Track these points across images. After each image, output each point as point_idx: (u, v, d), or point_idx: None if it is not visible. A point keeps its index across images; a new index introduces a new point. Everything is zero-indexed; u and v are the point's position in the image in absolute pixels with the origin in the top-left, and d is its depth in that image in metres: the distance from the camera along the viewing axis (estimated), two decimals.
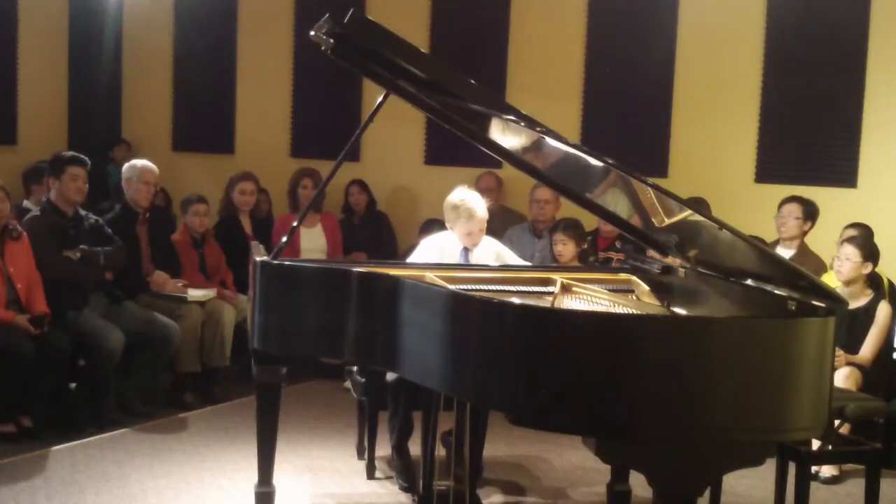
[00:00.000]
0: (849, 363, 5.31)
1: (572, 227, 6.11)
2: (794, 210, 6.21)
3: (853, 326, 5.37)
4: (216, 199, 7.23)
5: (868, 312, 5.43)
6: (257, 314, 4.14)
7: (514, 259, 5.05)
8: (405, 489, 4.82)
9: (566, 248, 6.04)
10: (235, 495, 4.75)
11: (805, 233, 6.24)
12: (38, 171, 6.98)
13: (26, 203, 6.80)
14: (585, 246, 6.15)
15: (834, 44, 6.79)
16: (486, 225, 4.90)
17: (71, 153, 5.93)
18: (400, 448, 4.93)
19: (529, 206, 7.03)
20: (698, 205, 6.04)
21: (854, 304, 5.39)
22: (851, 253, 5.39)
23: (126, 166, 6.38)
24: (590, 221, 6.44)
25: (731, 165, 7.09)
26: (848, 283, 5.43)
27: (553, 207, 6.87)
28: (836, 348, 5.09)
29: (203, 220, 6.61)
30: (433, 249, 4.91)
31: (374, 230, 7.54)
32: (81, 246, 5.71)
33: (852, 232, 5.88)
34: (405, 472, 4.89)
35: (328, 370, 6.65)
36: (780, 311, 3.34)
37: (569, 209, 6.47)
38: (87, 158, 5.87)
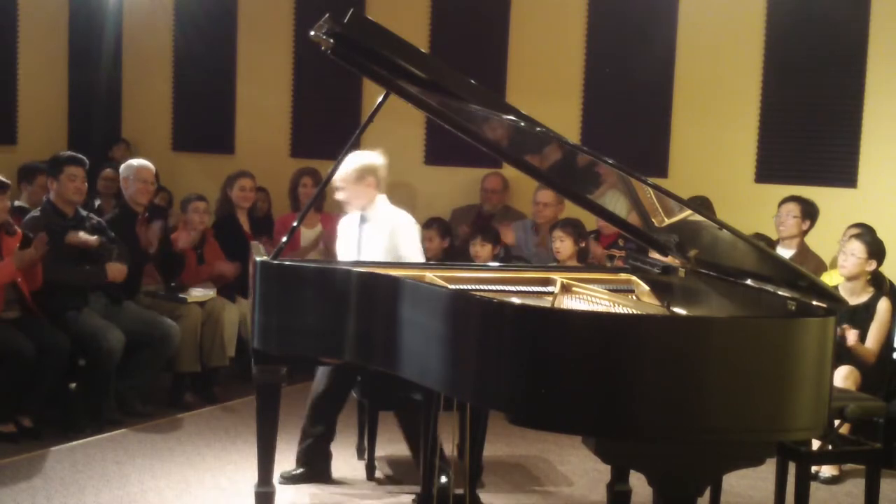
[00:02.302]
0: (853, 348, 5.28)
1: (570, 225, 6.18)
2: (792, 209, 6.22)
3: (853, 323, 5.37)
4: (216, 200, 7.24)
5: (868, 309, 5.45)
6: (257, 314, 4.14)
7: (406, 246, 4.82)
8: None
9: (563, 245, 6.09)
10: (235, 495, 4.75)
11: (804, 232, 6.25)
12: (29, 170, 6.97)
13: (17, 202, 6.78)
14: (584, 244, 6.18)
15: (834, 44, 6.79)
16: (346, 186, 4.79)
17: (69, 153, 5.92)
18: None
19: (532, 207, 7.04)
20: (702, 205, 6.06)
21: (855, 301, 5.40)
22: (857, 249, 5.41)
23: (123, 166, 6.36)
24: (591, 220, 6.45)
25: (731, 165, 7.09)
26: (850, 278, 5.44)
27: (553, 210, 6.88)
28: (846, 325, 5.13)
29: (203, 217, 6.61)
30: (343, 227, 4.96)
31: None
32: (100, 238, 5.71)
33: (855, 231, 5.87)
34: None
35: None
36: (780, 311, 3.33)
37: (570, 209, 6.48)
38: (84, 158, 5.86)
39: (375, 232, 4.82)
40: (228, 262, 6.66)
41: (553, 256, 6.25)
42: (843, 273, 5.47)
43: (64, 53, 8.64)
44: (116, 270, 5.76)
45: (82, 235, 5.65)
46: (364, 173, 4.81)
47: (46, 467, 5.00)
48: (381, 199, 4.90)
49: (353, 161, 4.79)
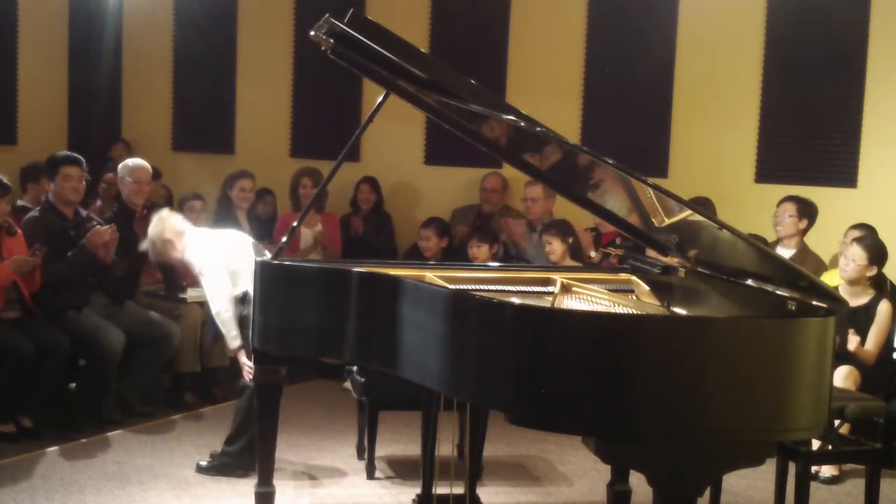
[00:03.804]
0: (853, 353, 5.28)
1: (554, 226, 6.22)
2: (788, 208, 6.22)
3: (853, 324, 5.36)
4: (216, 199, 7.24)
5: (868, 311, 5.43)
6: (257, 314, 4.14)
7: (206, 292, 4.90)
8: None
9: (553, 247, 6.14)
10: (235, 495, 4.75)
11: (801, 231, 6.24)
12: (33, 170, 6.98)
13: (20, 202, 6.78)
14: (572, 240, 6.18)
15: (834, 44, 6.79)
16: (169, 256, 5.08)
17: (64, 153, 5.89)
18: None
19: (522, 204, 7.07)
20: (703, 205, 6.05)
21: (855, 303, 5.39)
22: (858, 255, 5.39)
23: (119, 166, 6.34)
24: (591, 218, 6.44)
25: (731, 165, 7.09)
26: (851, 283, 5.44)
27: (542, 206, 6.87)
28: (851, 330, 5.13)
29: (199, 216, 6.60)
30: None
31: (374, 229, 7.54)
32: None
33: (856, 233, 5.85)
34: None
35: (328, 370, 6.67)
36: (780, 311, 3.33)
37: (570, 208, 6.47)
38: (80, 158, 5.82)
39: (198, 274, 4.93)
40: None
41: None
42: (843, 277, 5.47)
43: (64, 53, 8.64)
44: (97, 236, 5.61)
45: (98, 229, 5.62)
46: (164, 235, 4.99)
47: (46, 467, 5.00)
48: (191, 240, 4.98)
49: (153, 233, 5.02)
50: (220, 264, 4.80)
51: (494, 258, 6.33)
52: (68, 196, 5.72)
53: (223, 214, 7.13)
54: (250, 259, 4.77)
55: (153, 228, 5.05)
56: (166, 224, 5.02)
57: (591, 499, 4.92)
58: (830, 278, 5.82)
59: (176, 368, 6.20)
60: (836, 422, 4.37)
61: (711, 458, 3.17)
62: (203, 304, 6.30)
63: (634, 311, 3.72)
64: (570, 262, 6.05)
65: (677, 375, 3.02)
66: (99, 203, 7.20)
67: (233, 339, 4.77)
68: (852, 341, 5.22)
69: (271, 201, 7.67)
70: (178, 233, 4.99)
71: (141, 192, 6.20)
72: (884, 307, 5.43)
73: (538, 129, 3.68)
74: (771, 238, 6.37)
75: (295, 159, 8.15)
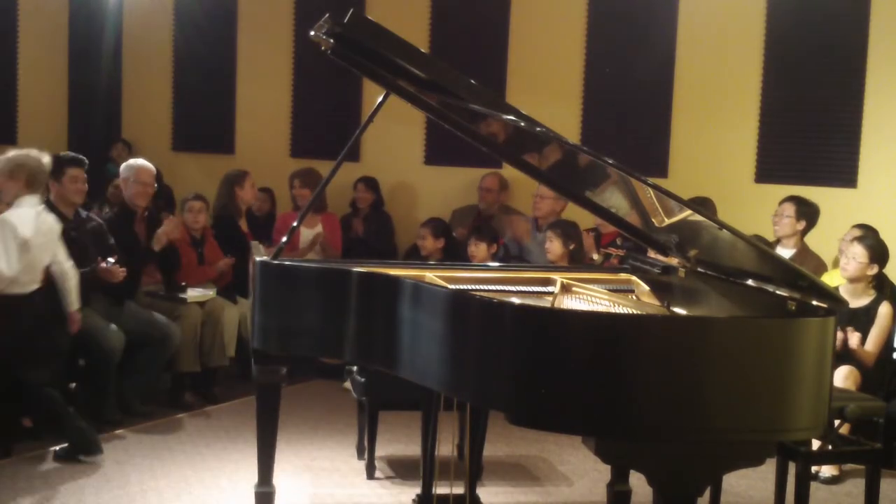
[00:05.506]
0: (853, 350, 5.28)
1: (560, 226, 6.20)
2: (787, 209, 6.22)
3: (853, 326, 5.36)
4: (214, 199, 7.24)
5: (868, 312, 5.43)
6: (257, 314, 4.14)
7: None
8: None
9: (552, 246, 6.14)
10: (235, 495, 4.75)
11: (800, 232, 6.23)
12: None
13: None
14: (573, 246, 6.18)
15: (834, 44, 6.79)
16: None
17: (70, 154, 5.90)
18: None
19: (532, 200, 7.08)
20: (703, 205, 6.05)
21: (855, 304, 5.38)
22: (859, 253, 5.39)
23: (123, 166, 6.34)
24: (591, 218, 6.44)
25: (731, 165, 7.09)
26: (852, 281, 5.43)
27: (551, 204, 6.88)
28: (850, 328, 5.12)
29: (198, 217, 6.59)
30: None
31: (374, 229, 7.55)
32: (109, 259, 5.65)
33: (857, 232, 5.85)
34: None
35: (328, 370, 6.67)
36: (780, 311, 3.33)
37: (571, 207, 6.47)
38: (84, 159, 5.84)
39: None
40: (224, 258, 6.64)
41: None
42: (844, 276, 5.46)
43: (64, 53, 8.65)
44: (111, 275, 5.54)
45: (114, 269, 5.54)
46: (16, 170, 4.94)
47: (46, 467, 5.00)
48: (24, 202, 4.93)
49: (12, 155, 4.97)
50: (16, 241, 4.79)
51: (494, 258, 6.33)
52: (72, 197, 5.71)
53: (224, 214, 7.13)
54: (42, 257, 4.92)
55: (32, 155, 4.97)
56: (37, 172, 4.95)
57: (591, 499, 4.92)
58: (830, 278, 5.82)
59: (176, 368, 6.20)
60: (836, 422, 4.37)
61: (711, 458, 3.17)
62: (203, 304, 6.32)
63: (634, 311, 3.72)
64: (563, 263, 6.04)
65: (677, 375, 3.02)
66: (107, 210, 7.18)
67: None
68: (853, 339, 5.22)
69: (267, 198, 7.67)
70: (30, 182, 4.92)
71: (145, 193, 6.21)
72: (884, 309, 5.43)
73: (538, 129, 3.68)
74: (771, 238, 6.37)
75: (295, 159, 8.17)
